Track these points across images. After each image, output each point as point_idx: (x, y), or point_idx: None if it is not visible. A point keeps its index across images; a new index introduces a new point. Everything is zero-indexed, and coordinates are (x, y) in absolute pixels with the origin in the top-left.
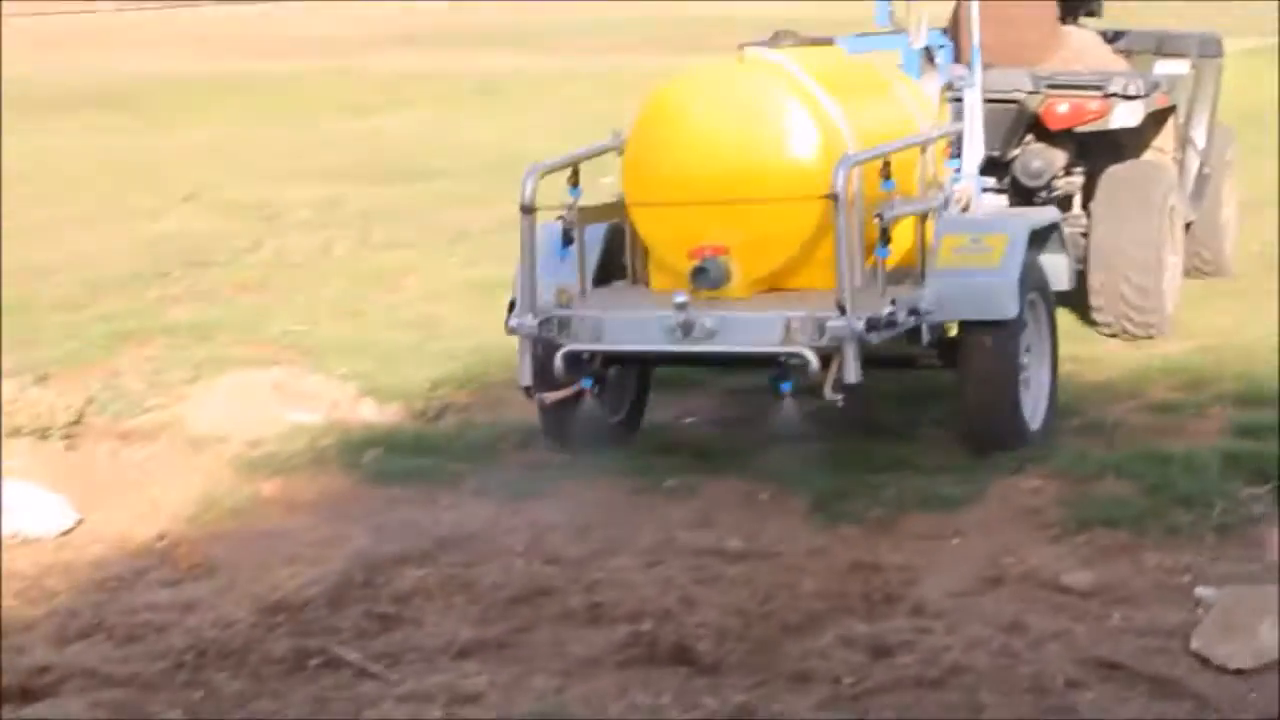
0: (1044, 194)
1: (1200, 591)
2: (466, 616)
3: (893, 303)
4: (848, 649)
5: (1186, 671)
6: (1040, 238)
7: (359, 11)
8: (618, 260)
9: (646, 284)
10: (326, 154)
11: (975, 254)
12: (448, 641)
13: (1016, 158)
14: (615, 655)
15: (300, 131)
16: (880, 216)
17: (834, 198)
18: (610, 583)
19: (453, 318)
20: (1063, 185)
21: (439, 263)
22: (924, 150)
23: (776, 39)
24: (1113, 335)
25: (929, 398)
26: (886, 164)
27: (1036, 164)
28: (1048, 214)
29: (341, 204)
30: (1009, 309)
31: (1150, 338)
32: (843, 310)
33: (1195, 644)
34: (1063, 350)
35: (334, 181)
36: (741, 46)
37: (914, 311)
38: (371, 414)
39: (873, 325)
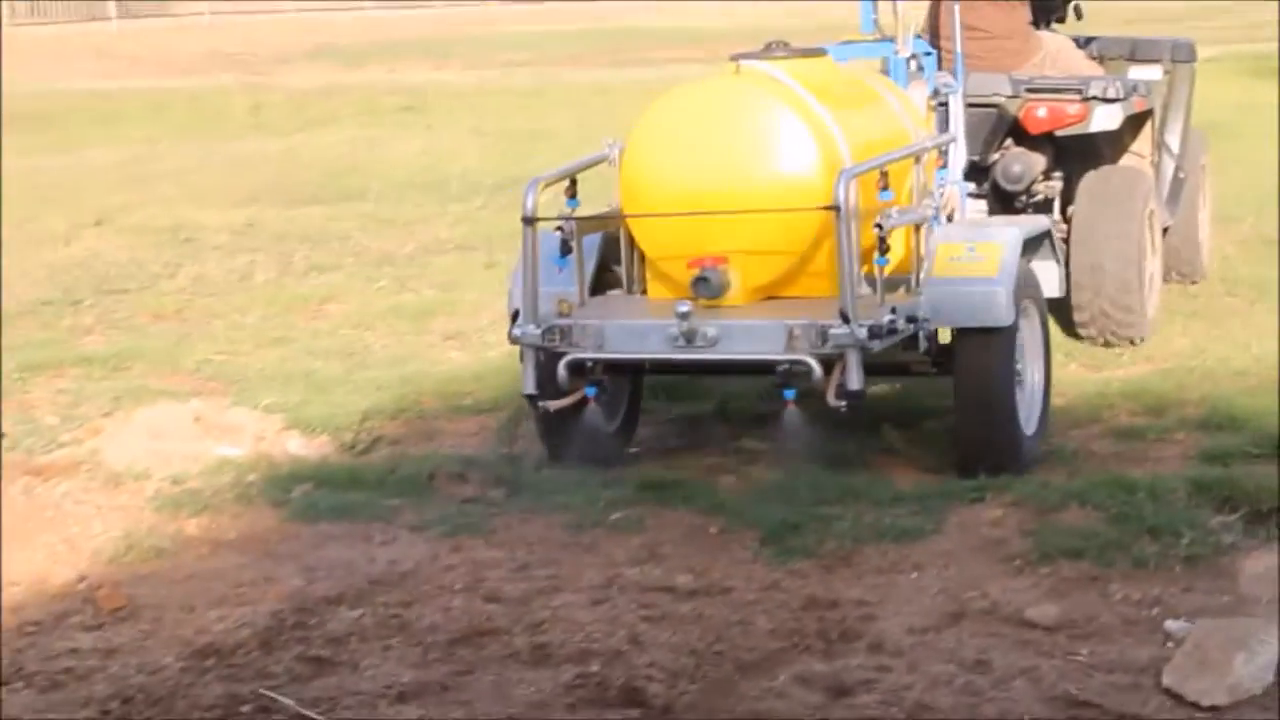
0: (1024, 199)
1: (1170, 625)
2: (405, 659)
3: (893, 311)
4: (805, 689)
5: (1158, 709)
6: (1032, 245)
7: (270, 25)
8: (611, 270)
9: (643, 293)
10: (242, 175)
11: (971, 262)
12: (386, 685)
13: (996, 162)
14: (563, 698)
15: (213, 151)
16: (879, 226)
17: (836, 209)
18: (555, 622)
19: (380, 345)
20: (1043, 190)
21: (364, 288)
22: (917, 160)
23: (768, 50)
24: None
25: (878, 425)
26: (884, 174)
27: (1016, 168)
28: (1040, 222)
29: (260, 227)
30: (1005, 316)
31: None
32: (846, 319)
33: (1167, 680)
34: None
35: (251, 204)
36: (735, 58)
37: (912, 319)
38: (299, 447)
39: (874, 333)
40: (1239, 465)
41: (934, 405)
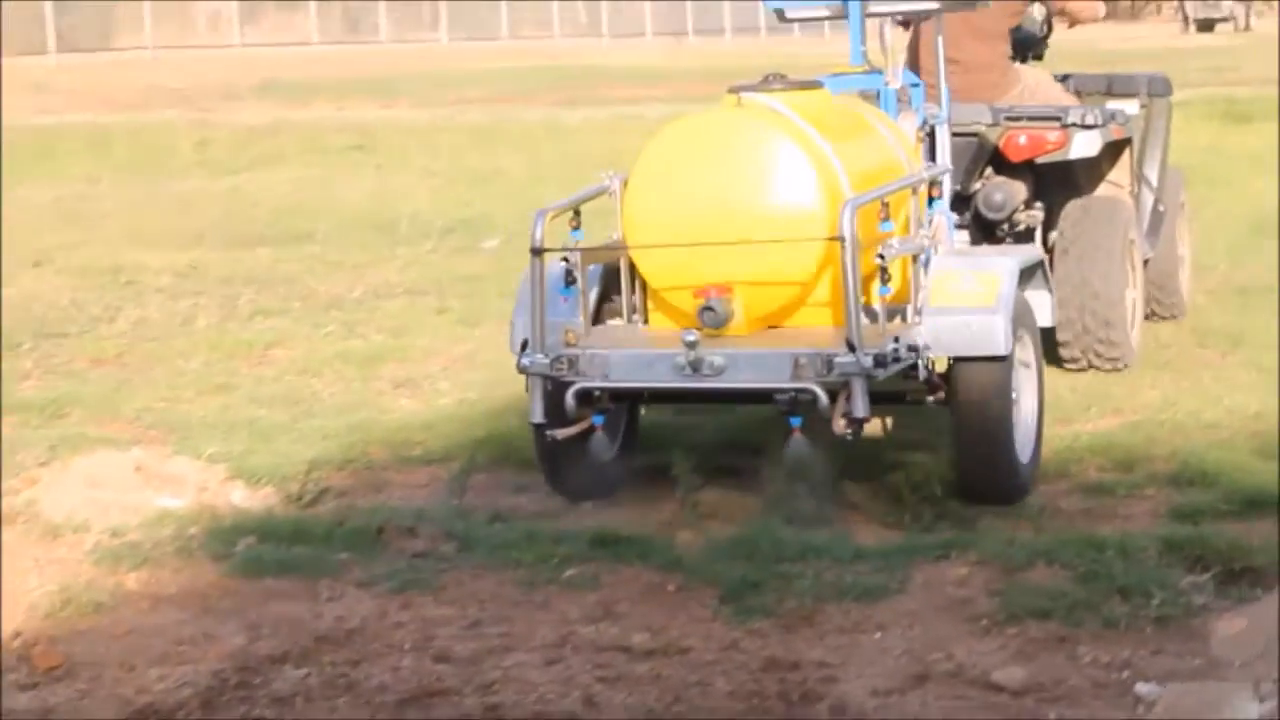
0: (1005, 228)
1: (1141, 688)
2: None
3: (895, 339)
4: None
5: None
6: (1027, 275)
7: (215, 60)
8: (609, 301)
9: (644, 323)
10: (185, 215)
11: (970, 292)
12: None
13: (977, 192)
14: None
15: (157, 190)
16: (881, 256)
17: (841, 239)
18: (507, 682)
19: (327, 393)
20: (1024, 219)
21: (311, 333)
22: (915, 191)
23: (767, 82)
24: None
25: (839, 478)
26: (885, 205)
27: (998, 196)
28: (1033, 251)
29: (203, 270)
30: (1003, 346)
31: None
32: (852, 348)
33: None
34: (937, 436)
35: (195, 245)
36: (735, 90)
37: (912, 348)
38: (242, 498)
39: (879, 361)
40: (1210, 523)
41: (896, 458)
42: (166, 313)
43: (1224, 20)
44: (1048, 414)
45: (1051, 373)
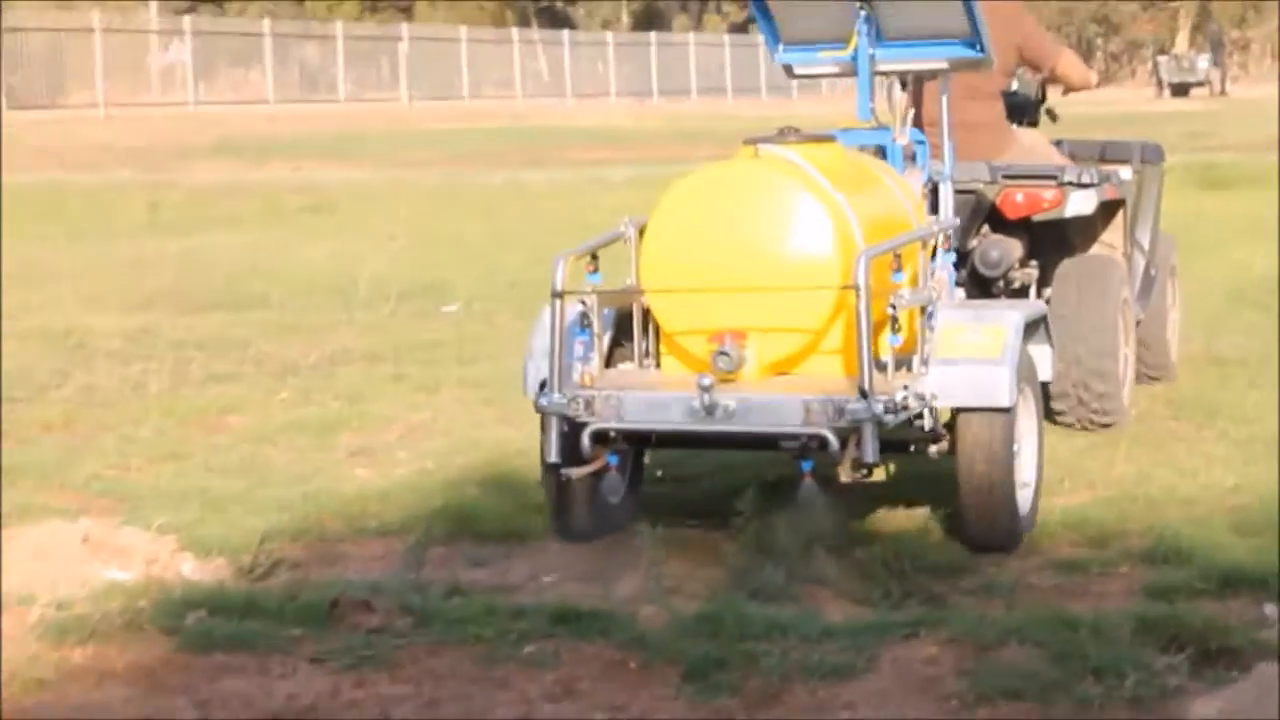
0: (1001, 285)
1: None
2: None
3: (905, 388)
4: None
5: None
6: (1030, 329)
7: (169, 119)
8: (620, 345)
9: (656, 366)
10: (137, 277)
11: (976, 344)
12: None
13: (974, 249)
14: None
15: (108, 251)
16: (893, 306)
17: (856, 288)
18: None
19: (282, 461)
20: (1019, 277)
21: (265, 400)
22: (924, 244)
23: (782, 135)
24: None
25: (806, 552)
26: (897, 257)
27: (994, 254)
28: (1037, 306)
29: (155, 334)
30: (1008, 397)
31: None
32: (864, 394)
33: None
34: (908, 510)
35: (147, 308)
36: (752, 143)
37: (920, 397)
38: (193, 571)
39: (889, 409)
40: (1185, 601)
41: (866, 530)
42: (117, 378)
43: (1199, 84)
44: None
45: None
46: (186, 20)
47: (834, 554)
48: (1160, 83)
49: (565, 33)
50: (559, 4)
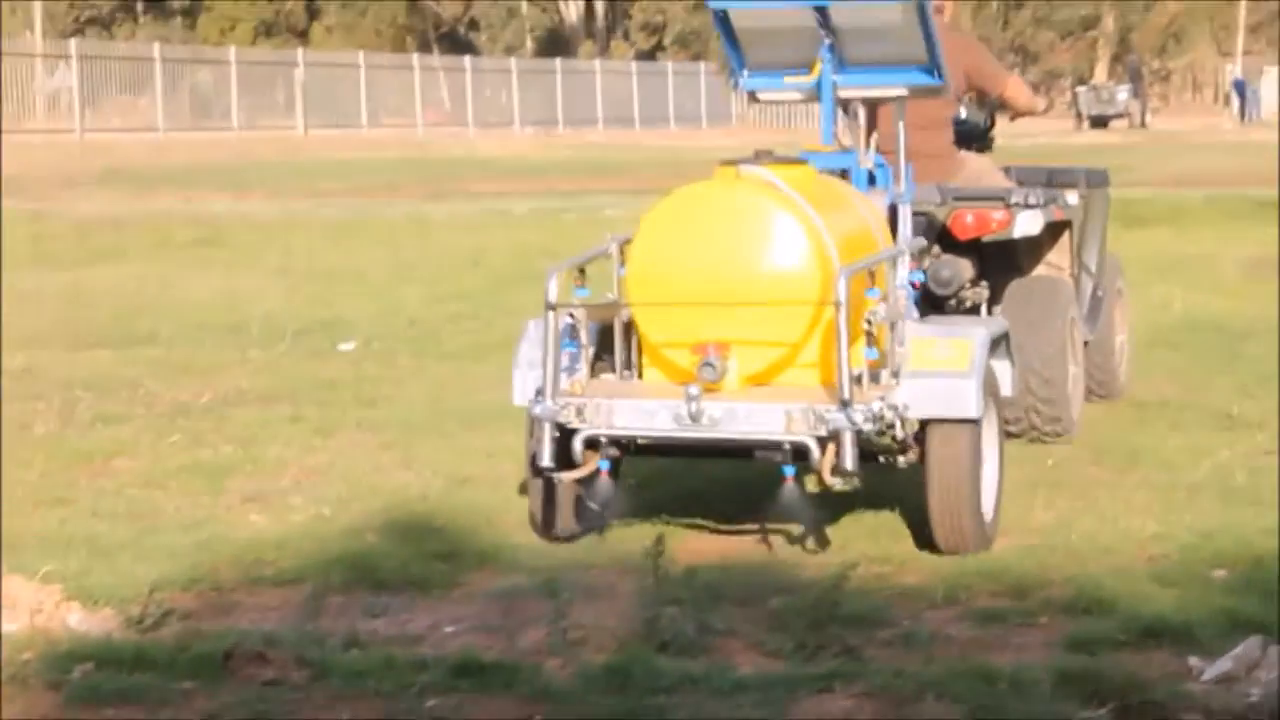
0: (953, 304)
1: None
2: None
3: (881, 399)
4: None
5: None
6: (994, 345)
7: (52, 146)
8: (599, 358)
9: (637, 377)
10: (19, 313)
11: (945, 358)
12: None
13: (926, 268)
14: None
15: None
16: (869, 321)
17: (836, 304)
18: None
19: (173, 507)
20: (970, 296)
21: (155, 442)
22: (894, 263)
23: (758, 158)
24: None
25: (718, 602)
26: (872, 274)
27: (946, 273)
28: (1000, 323)
29: (39, 373)
30: (975, 409)
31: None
32: (844, 404)
33: None
34: (867, 551)
35: (29, 346)
36: (731, 164)
37: (894, 407)
38: (79, 621)
39: (868, 418)
40: (1107, 654)
41: (779, 579)
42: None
43: (1118, 116)
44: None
45: None
46: (73, 44)
47: (746, 603)
48: (1079, 115)
49: (467, 59)
50: (460, 29)
